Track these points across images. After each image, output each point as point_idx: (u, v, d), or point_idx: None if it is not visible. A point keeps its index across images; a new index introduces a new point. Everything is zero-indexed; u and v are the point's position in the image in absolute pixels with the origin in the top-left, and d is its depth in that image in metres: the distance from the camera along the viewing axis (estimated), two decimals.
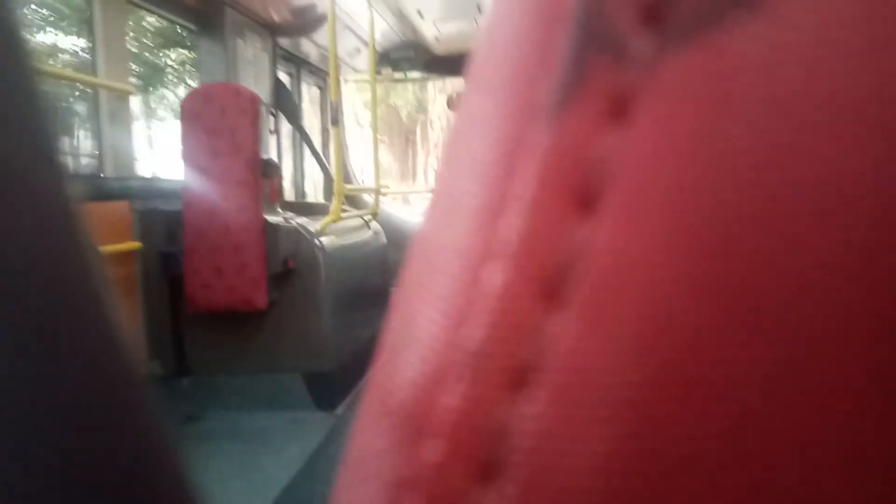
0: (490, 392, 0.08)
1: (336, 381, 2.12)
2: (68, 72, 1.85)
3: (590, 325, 0.07)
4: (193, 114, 1.96)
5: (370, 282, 2.58)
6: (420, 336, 0.09)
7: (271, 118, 2.78)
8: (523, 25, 0.09)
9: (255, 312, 1.99)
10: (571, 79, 0.08)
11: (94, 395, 0.19)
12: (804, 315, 0.07)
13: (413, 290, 0.09)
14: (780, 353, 0.07)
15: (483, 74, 0.09)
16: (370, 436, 0.10)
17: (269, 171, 2.07)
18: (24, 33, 0.20)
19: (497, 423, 0.08)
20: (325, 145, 3.65)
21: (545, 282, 0.08)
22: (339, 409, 2.12)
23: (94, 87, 1.97)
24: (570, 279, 0.08)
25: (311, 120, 3.81)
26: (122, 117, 2.04)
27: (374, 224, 2.80)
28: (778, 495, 0.07)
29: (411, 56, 3.88)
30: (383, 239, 2.83)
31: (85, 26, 1.97)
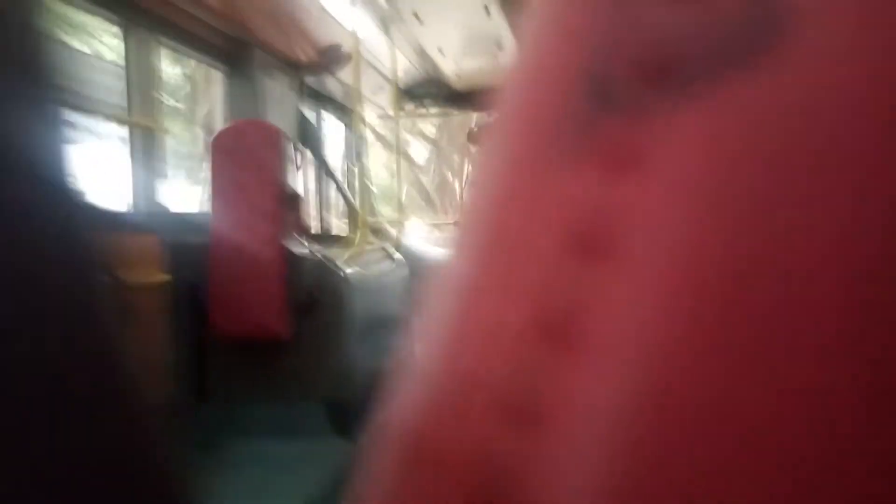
0: (491, 426, 0.08)
1: (357, 411, 2.12)
2: (101, 108, 1.92)
3: (589, 366, 0.08)
4: (222, 149, 2.02)
5: (392, 312, 2.59)
6: (428, 369, 0.09)
7: (297, 153, 2.84)
8: (540, 84, 0.09)
9: (278, 342, 2.01)
10: (581, 133, 0.09)
11: (100, 411, 0.20)
12: (811, 350, 0.07)
13: (423, 326, 0.10)
14: (777, 393, 0.07)
15: (503, 129, 0.10)
16: (378, 463, 0.10)
17: (294, 204, 2.12)
18: (60, 71, 0.21)
19: (493, 455, 0.08)
20: (348, 179, 3.70)
21: (548, 322, 0.08)
22: (359, 439, 2.11)
23: (125, 124, 2.04)
24: (572, 322, 0.08)
25: (336, 155, 3.87)
26: (152, 153, 2.11)
27: (396, 255, 2.82)
28: None
29: (433, 92, 3.95)
30: (405, 270, 2.85)
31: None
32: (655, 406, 0.07)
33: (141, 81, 2.03)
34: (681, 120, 0.08)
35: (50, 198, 0.20)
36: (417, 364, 0.10)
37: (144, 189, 2.07)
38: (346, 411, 2.11)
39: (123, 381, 0.21)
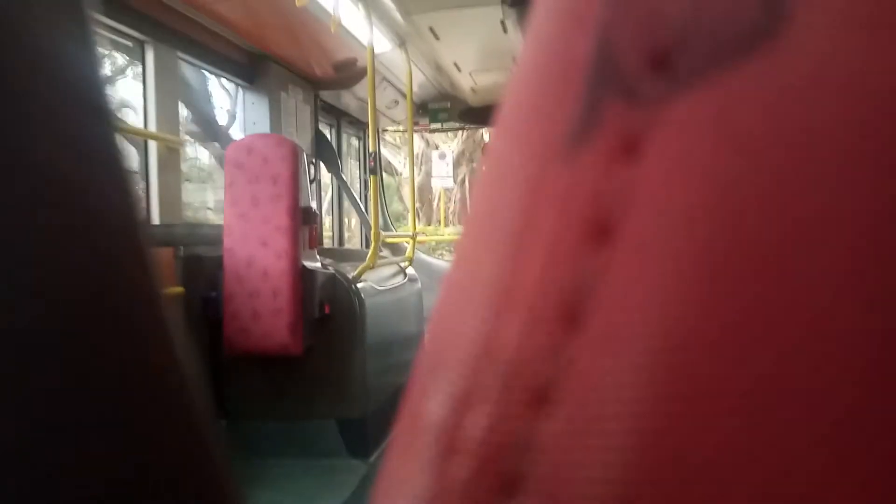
0: (514, 410, 0.08)
1: (370, 429, 2.11)
2: (122, 123, 1.95)
3: (605, 345, 0.08)
4: (237, 162, 2.03)
5: (405, 328, 2.58)
6: (449, 359, 0.09)
7: (312, 167, 2.86)
8: (544, 72, 0.10)
9: (290, 358, 2.01)
10: (587, 119, 0.09)
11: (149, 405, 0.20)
12: (813, 334, 0.07)
13: (443, 318, 0.10)
14: (788, 371, 0.07)
15: (508, 117, 0.10)
16: (402, 458, 0.10)
17: (308, 218, 2.12)
18: (106, 87, 0.22)
19: (520, 439, 0.08)
20: (363, 193, 3.72)
21: (564, 306, 0.08)
22: (373, 457, 2.10)
23: (145, 138, 2.06)
24: (587, 304, 0.08)
25: (352, 169, 3.90)
26: (171, 167, 2.13)
27: (409, 270, 2.82)
28: (788, 501, 0.07)
29: (448, 107, 3.97)
30: (418, 285, 2.85)
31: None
32: (669, 383, 0.08)
33: (162, 95, 2.05)
34: (687, 105, 0.08)
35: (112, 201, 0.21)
36: (435, 357, 0.10)
37: (161, 201, 2.08)
38: (359, 429, 2.10)
39: (181, 381, 0.22)
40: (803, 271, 0.07)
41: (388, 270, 2.58)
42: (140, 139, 2.06)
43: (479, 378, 0.09)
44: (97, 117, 0.21)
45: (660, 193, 0.08)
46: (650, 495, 0.07)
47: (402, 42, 2.81)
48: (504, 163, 0.10)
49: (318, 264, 2.14)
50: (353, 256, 2.80)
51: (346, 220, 3.79)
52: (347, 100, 3.33)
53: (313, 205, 2.20)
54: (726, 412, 0.07)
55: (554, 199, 0.09)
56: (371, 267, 2.22)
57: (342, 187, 3.35)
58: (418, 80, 3.38)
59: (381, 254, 2.44)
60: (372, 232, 2.28)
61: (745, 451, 0.07)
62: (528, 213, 0.09)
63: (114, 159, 0.21)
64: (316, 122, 2.98)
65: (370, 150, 2.49)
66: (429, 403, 0.09)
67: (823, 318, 0.07)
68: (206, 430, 0.22)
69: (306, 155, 2.48)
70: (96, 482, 0.18)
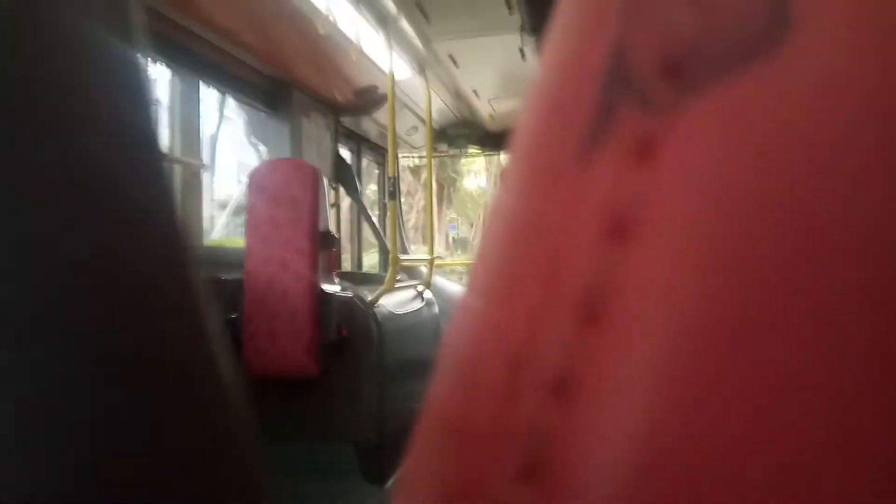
0: (528, 400, 0.09)
1: (386, 454, 2.10)
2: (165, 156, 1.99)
3: (619, 339, 0.08)
4: (259, 186, 2.06)
5: (423, 353, 2.57)
6: (466, 353, 0.10)
7: (332, 192, 2.89)
8: (561, 82, 0.10)
9: (307, 380, 2.01)
10: (603, 126, 0.09)
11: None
12: (823, 327, 0.07)
13: (463, 313, 0.10)
14: (799, 366, 0.08)
15: (527, 124, 0.11)
16: (422, 450, 0.10)
17: (327, 242, 2.14)
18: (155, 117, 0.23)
19: (534, 428, 0.08)
20: (381, 218, 3.75)
21: (579, 301, 0.09)
22: (388, 484, 2.08)
23: (169, 161, 2.10)
24: (602, 299, 0.09)
25: (371, 194, 3.92)
26: (192, 190, 2.16)
27: (427, 294, 2.82)
28: (796, 492, 0.07)
29: (466, 133, 4.00)
30: (436, 309, 2.84)
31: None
32: (682, 375, 0.08)
33: (184, 120, 2.09)
34: (698, 111, 0.08)
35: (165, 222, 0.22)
36: (455, 351, 0.10)
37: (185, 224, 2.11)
38: (376, 454, 2.08)
39: (219, 376, 0.23)
40: (815, 271, 0.08)
41: (406, 294, 2.59)
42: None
43: (494, 371, 0.09)
44: (151, 151, 0.22)
45: (673, 195, 0.08)
46: (662, 482, 0.07)
47: (422, 69, 2.85)
48: (524, 166, 0.10)
49: (337, 288, 2.14)
50: (372, 280, 2.81)
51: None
52: (368, 126, 3.37)
53: (333, 229, 2.22)
54: (738, 403, 0.08)
55: (570, 199, 0.09)
56: (388, 290, 2.23)
57: (361, 212, 3.37)
58: (437, 107, 3.41)
59: (398, 278, 2.44)
60: (390, 256, 2.29)
61: (756, 441, 0.07)
62: (546, 212, 0.09)
63: (161, 170, 0.22)
64: (336, 146, 3.02)
65: (389, 175, 2.51)
66: (447, 395, 0.10)
67: (835, 315, 0.07)
68: (249, 443, 0.23)
69: (326, 180, 2.51)
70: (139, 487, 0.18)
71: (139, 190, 0.21)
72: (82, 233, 0.18)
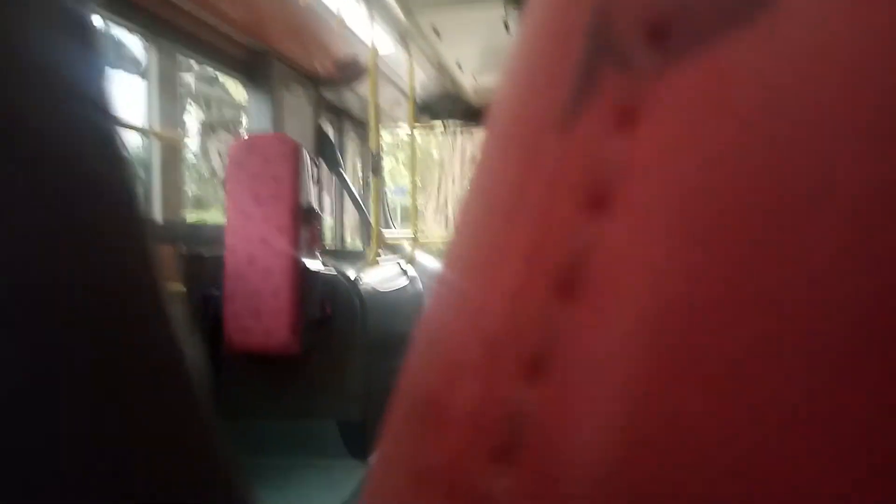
0: (505, 380, 0.08)
1: (369, 430, 2.11)
2: (122, 120, 1.94)
3: (598, 314, 0.08)
4: (239, 161, 2.03)
5: (406, 329, 2.58)
6: (442, 332, 0.09)
7: (314, 167, 2.86)
8: (542, 44, 0.10)
9: (290, 358, 2.01)
10: (583, 89, 0.09)
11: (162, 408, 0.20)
12: (803, 300, 0.07)
13: (439, 292, 0.10)
14: (778, 338, 0.07)
15: (507, 89, 0.10)
16: (397, 431, 0.10)
17: (309, 218, 2.12)
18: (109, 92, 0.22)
19: (512, 408, 0.08)
20: (364, 193, 3.72)
21: (557, 275, 0.08)
22: (372, 458, 2.10)
23: (146, 135, 2.07)
24: (580, 273, 0.08)
25: (353, 169, 3.90)
26: (172, 165, 2.13)
27: (411, 272, 2.82)
28: (775, 467, 0.07)
29: (450, 107, 3.97)
30: (419, 286, 2.85)
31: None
32: (661, 350, 0.08)
33: (163, 93, 2.05)
34: (682, 76, 0.08)
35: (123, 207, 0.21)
36: (430, 331, 0.10)
37: (164, 199, 2.08)
38: (359, 430, 2.09)
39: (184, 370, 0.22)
40: (798, 241, 0.07)
41: (389, 272, 2.58)
42: (141, 136, 2.06)
43: (470, 350, 0.09)
44: (95, 110, 0.21)
45: (655, 164, 0.08)
46: (642, 461, 0.07)
47: (404, 41, 2.81)
48: (502, 133, 0.10)
49: (320, 264, 2.13)
50: (355, 257, 2.80)
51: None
52: (350, 99, 3.33)
53: (315, 204, 2.20)
54: (718, 378, 0.07)
55: (548, 168, 0.09)
56: (372, 268, 2.22)
57: (343, 187, 3.35)
58: (420, 80, 3.38)
59: (383, 255, 2.44)
60: (372, 231, 2.28)
61: (736, 415, 0.07)
62: (523, 182, 0.09)
63: (114, 152, 0.21)
64: (318, 120, 2.98)
65: (372, 149, 2.49)
66: (422, 375, 0.09)
67: (817, 286, 0.07)
68: (209, 427, 0.22)
69: (308, 154, 2.49)
70: (100, 479, 0.18)
71: (77, 151, 0.20)
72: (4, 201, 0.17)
